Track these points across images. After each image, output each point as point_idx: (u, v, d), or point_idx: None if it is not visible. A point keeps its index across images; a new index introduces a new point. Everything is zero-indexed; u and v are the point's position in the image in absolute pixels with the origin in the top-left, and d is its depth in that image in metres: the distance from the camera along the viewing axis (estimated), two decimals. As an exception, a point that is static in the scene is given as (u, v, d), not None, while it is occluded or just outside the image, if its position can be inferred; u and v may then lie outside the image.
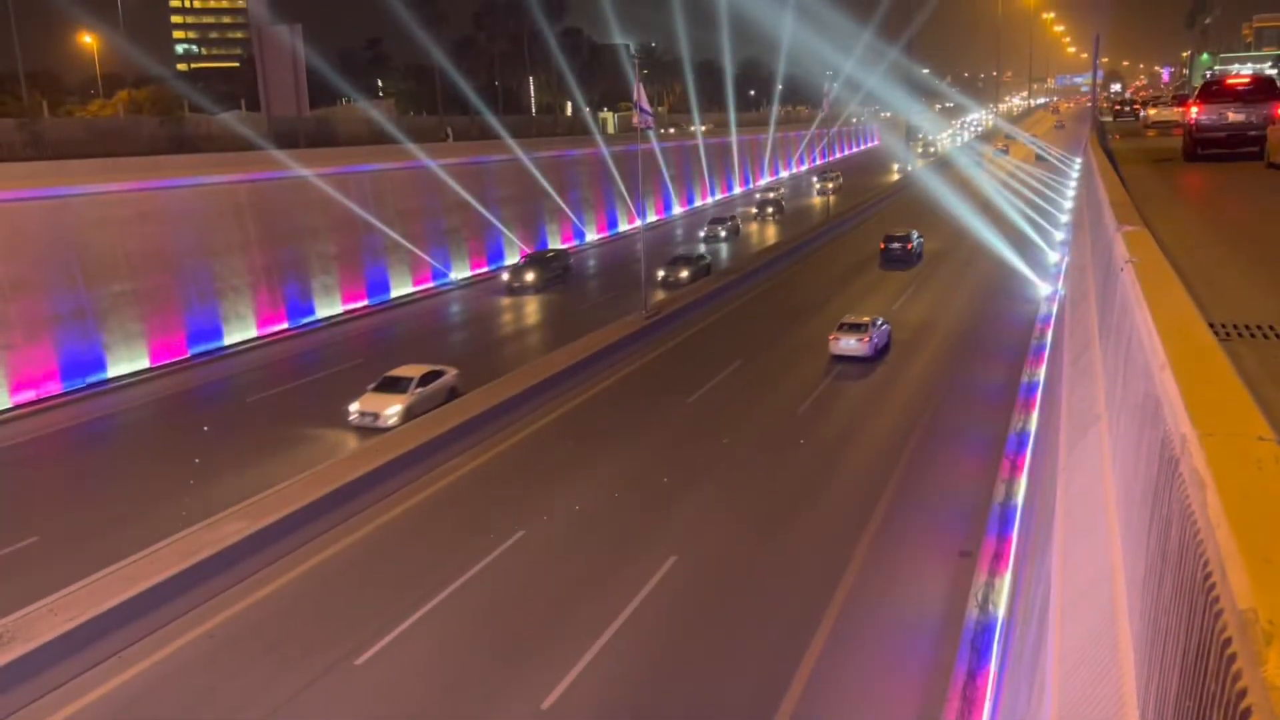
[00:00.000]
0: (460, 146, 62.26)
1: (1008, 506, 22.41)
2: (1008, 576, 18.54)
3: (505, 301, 50.33)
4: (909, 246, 57.02)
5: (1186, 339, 4.22)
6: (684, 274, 51.09)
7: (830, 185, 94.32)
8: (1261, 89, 25.75)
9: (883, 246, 57.52)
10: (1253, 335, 8.78)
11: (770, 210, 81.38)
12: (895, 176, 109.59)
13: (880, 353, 37.45)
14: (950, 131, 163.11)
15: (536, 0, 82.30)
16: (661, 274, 51.01)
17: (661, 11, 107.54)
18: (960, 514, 23.24)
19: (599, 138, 75.45)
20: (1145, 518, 3.60)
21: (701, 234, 69.38)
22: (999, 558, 20.21)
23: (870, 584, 20.00)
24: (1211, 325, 7.27)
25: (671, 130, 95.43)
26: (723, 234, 69.35)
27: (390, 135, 57.54)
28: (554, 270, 53.68)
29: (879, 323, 38.00)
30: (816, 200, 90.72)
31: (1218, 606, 2.19)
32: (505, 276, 53.03)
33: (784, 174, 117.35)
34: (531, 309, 48.96)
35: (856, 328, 37.00)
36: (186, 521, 21.97)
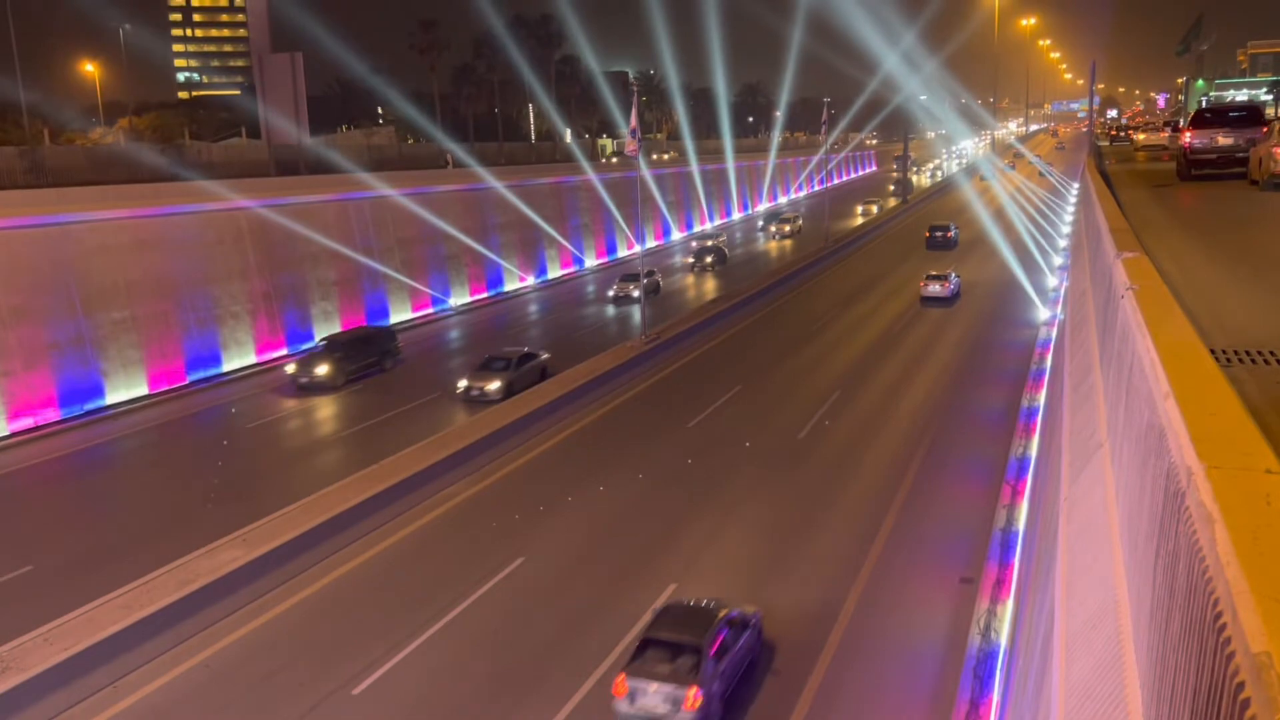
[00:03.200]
0: (459, 173, 62.51)
1: (1009, 533, 22.28)
2: (1009, 604, 18.40)
3: (286, 405, 36.46)
4: (949, 235, 71.46)
5: (1190, 367, 4.16)
6: (494, 385, 34.86)
7: (787, 228, 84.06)
8: (1247, 115, 28.18)
9: (928, 234, 72.10)
10: (1253, 361, 8.75)
11: (710, 260, 67.03)
12: (859, 220, 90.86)
13: (955, 296, 52.05)
14: (937, 161, 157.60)
15: (531, 29, 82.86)
16: (463, 385, 35.67)
17: (660, 39, 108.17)
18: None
19: (586, 165, 73.20)
20: (1151, 551, 3.53)
21: (611, 293, 56.04)
22: (1000, 584, 20.07)
23: (873, 606, 19.87)
24: (1212, 351, 7.23)
25: (664, 156, 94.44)
26: (635, 294, 52.67)
27: (390, 162, 57.71)
28: (366, 358, 39.67)
29: (954, 275, 52.84)
30: (773, 245, 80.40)
31: (1229, 649, 2.13)
32: (290, 368, 38.80)
33: (782, 199, 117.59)
34: (298, 424, 34.72)
35: (940, 277, 52.24)
36: (184, 549, 21.83)
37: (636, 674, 15.95)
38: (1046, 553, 8.72)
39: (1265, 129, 25.65)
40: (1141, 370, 4.67)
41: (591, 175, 71.17)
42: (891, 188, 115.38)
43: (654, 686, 15.66)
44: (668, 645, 16.34)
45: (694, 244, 74.63)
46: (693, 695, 15.39)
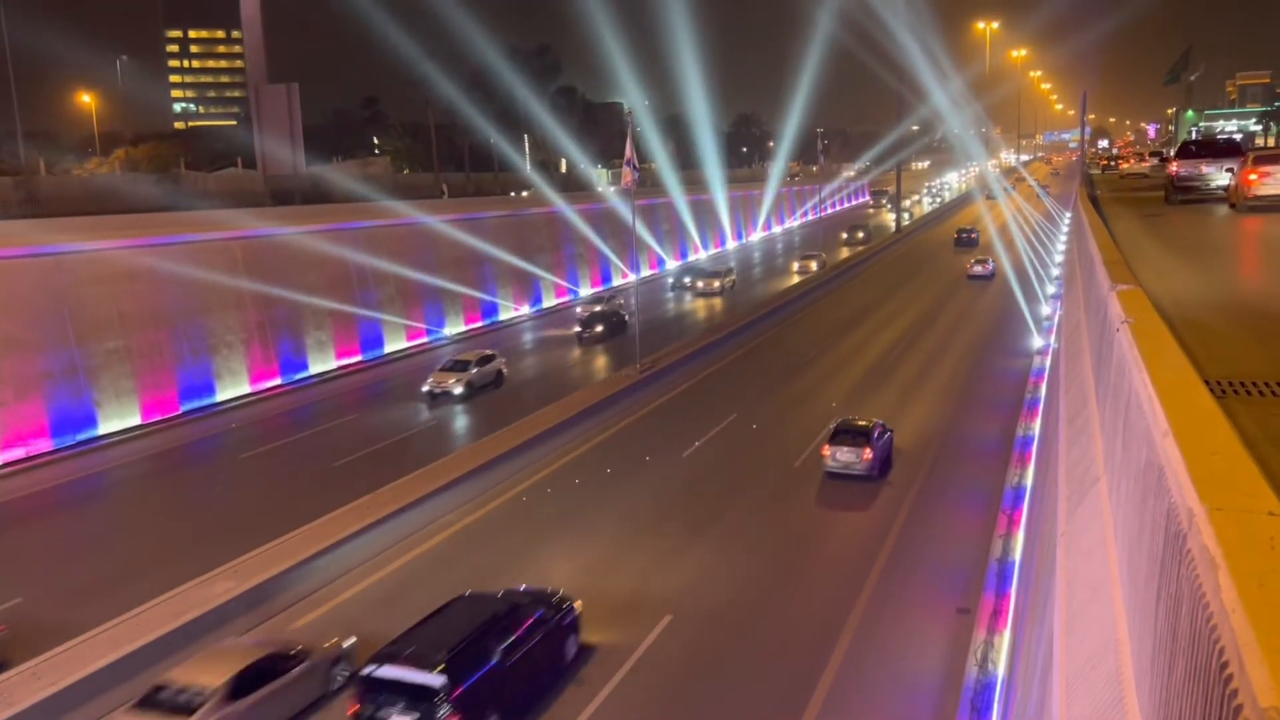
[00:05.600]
0: (455, 203, 62.69)
1: (1005, 563, 22.18)
2: (1006, 635, 18.28)
3: None
4: (972, 235, 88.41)
5: (1188, 404, 4.13)
6: None
7: (717, 284, 67.59)
8: (1227, 147, 32.09)
9: (956, 235, 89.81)
10: (1249, 393, 8.73)
11: (600, 329, 52.02)
12: (794, 278, 73.44)
13: (992, 275, 68.35)
14: (916, 197, 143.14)
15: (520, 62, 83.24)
16: None
17: (654, 71, 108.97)
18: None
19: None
20: (1152, 592, 3.49)
21: (425, 388, 40.26)
22: (997, 615, 19.95)
23: (869, 635, 19.73)
24: (1206, 382, 7.22)
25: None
26: (457, 390, 39.76)
27: (386, 192, 57.76)
28: None
29: (990, 261, 70.06)
30: (699, 304, 65.39)
31: (1237, 701, 2.08)
32: None
33: (777, 228, 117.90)
34: None
35: (982, 261, 70.10)
36: (177, 581, 21.64)
37: (834, 444, 28.75)
38: (1044, 586, 8.66)
39: (1242, 159, 28.05)
40: (1139, 406, 4.64)
41: (558, 205, 69.11)
42: (844, 235, 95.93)
43: (846, 449, 28.49)
44: (850, 431, 29.03)
45: (579, 309, 57.73)
46: (867, 453, 28.32)
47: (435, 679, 15.14)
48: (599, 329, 52.34)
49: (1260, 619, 2.21)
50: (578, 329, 53.30)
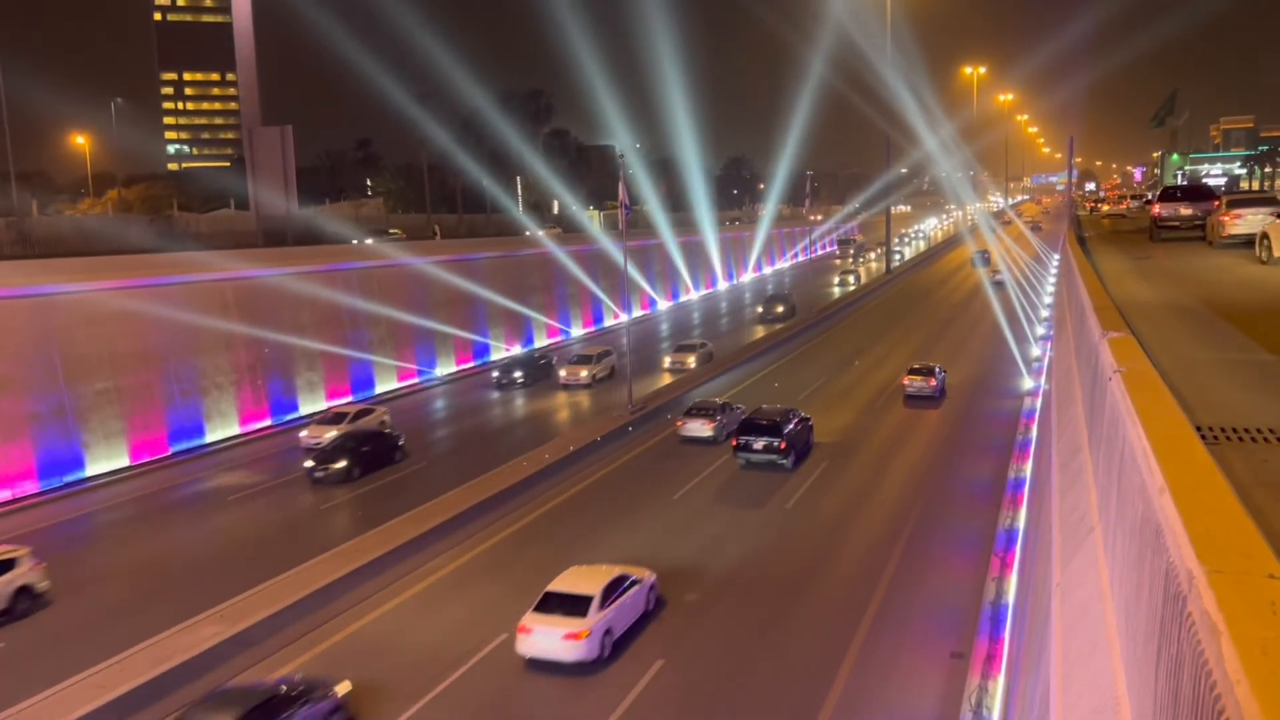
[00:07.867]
0: (448, 244, 62.86)
1: (998, 606, 22.06)
2: (1001, 680, 18.14)
3: None
4: (987, 255, 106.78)
5: (1184, 459, 4.13)
6: None
7: (585, 374, 50.46)
8: (1202, 191, 37.88)
9: (974, 253, 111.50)
10: (1241, 439, 8.77)
11: (343, 463, 34.23)
12: (665, 377, 52.23)
13: (1002, 285, 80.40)
14: (878, 252, 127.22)
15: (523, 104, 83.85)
16: None
17: (646, 114, 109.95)
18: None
19: (542, 236, 67.47)
20: (1151, 652, 3.46)
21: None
22: (991, 660, 19.81)
23: (863, 680, 19.57)
24: (1198, 429, 7.23)
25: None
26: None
27: (379, 233, 57.93)
28: None
29: (1002, 272, 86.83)
30: (562, 399, 48.97)
31: (1244, 776, 2.05)
32: None
33: (767, 270, 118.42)
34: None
35: (996, 272, 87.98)
36: (166, 623, 21.39)
37: (911, 375, 44.23)
38: (1039, 635, 8.61)
39: (1217, 203, 31.90)
40: (1133, 459, 4.64)
41: (550, 246, 69.49)
42: (760, 309, 76.11)
43: (918, 379, 43.92)
44: (920, 369, 44.09)
45: (305, 432, 39.53)
46: (931, 381, 43.82)
47: (777, 428, 33.84)
48: (342, 463, 34.30)
49: (1264, 690, 2.19)
50: (309, 464, 34.74)
